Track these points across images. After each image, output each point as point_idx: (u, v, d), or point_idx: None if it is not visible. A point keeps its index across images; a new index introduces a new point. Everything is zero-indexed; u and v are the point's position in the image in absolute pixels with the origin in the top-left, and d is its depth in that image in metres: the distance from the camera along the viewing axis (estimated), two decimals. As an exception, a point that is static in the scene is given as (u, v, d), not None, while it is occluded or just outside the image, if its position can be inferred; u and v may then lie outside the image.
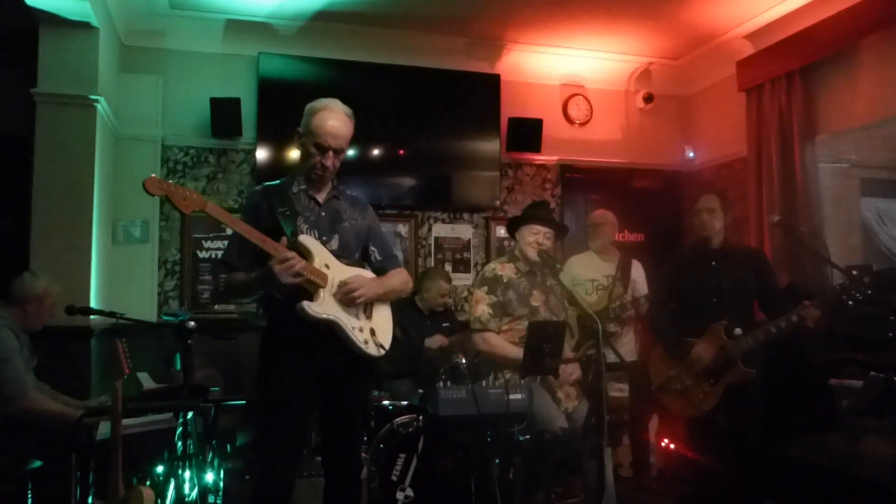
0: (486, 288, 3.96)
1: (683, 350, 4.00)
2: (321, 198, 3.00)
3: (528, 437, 3.59)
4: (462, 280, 6.26)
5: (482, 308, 3.92)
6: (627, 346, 5.05)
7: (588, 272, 5.12)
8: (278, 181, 3.05)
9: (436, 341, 5.00)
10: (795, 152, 5.30)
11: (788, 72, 5.37)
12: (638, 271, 5.23)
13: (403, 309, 4.93)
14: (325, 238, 2.93)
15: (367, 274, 3.03)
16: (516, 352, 3.70)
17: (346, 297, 2.85)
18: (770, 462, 3.95)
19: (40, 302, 3.87)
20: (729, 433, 4.00)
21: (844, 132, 5.38)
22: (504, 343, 3.87)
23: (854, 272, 3.73)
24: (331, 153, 2.90)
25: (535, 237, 3.95)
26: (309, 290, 2.79)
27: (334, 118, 2.90)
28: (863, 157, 6.73)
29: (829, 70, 5.29)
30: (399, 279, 3.14)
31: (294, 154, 5.63)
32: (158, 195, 2.58)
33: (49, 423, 3.66)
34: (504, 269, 4.00)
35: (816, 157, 5.35)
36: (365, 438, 4.00)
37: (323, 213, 2.98)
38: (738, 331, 3.88)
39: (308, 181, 2.99)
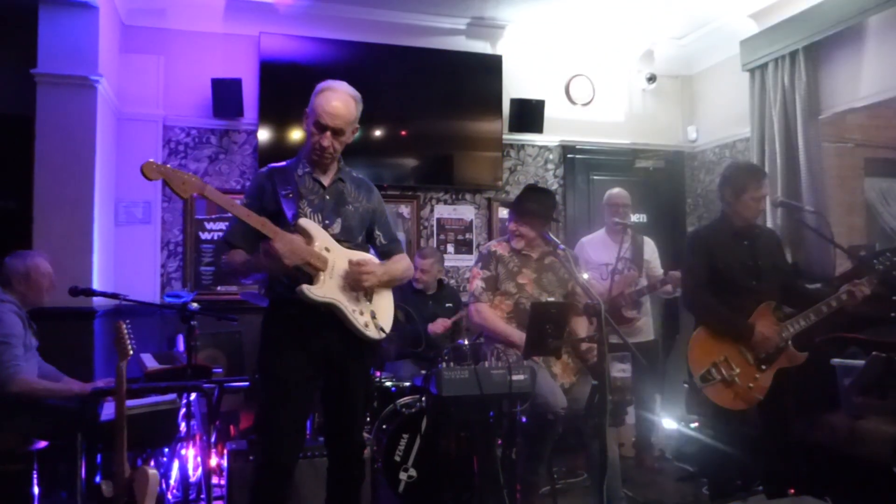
0: (480, 264, 4.05)
1: (744, 331, 3.69)
2: (326, 181, 2.98)
3: (530, 417, 3.60)
4: (464, 261, 6.26)
5: (476, 283, 4.00)
6: (644, 326, 5.05)
7: (602, 256, 5.06)
8: (285, 163, 3.03)
9: (439, 325, 5.00)
10: (799, 132, 5.28)
11: (792, 51, 5.33)
12: (651, 250, 5.21)
13: (405, 290, 4.93)
14: (327, 222, 2.92)
15: (374, 259, 3.03)
16: (504, 327, 3.83)
17: (355, 280, 2.85)
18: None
19: (27, 279, 3.88)
20: (771, 420, 3.85)
21: (848, 111, 5.35)
22: (495, 317, 3.90)
23: (862, 253, 3.72)
24: (328, 133, 2.88)
25: (517, 228, 4.00)
26: (309, 273, 2.79)
27: (336, 99, 2.89)
28: (867, 137, 6.70)
29: (834, 49, 5.25)
30: (402, 266, 3.15)
31: (297, 134, 5.63)
32: (157, 179, 2.57)
33: (46, 401, 3.66)
34: (498, 247, 4.06)
35: (820, 137, 5.32)
36: (368, 419, 4.02)
37: (327, 197, 2.97)
38: (788, 309, 3.71)
39: (312, 163, 2.97)
